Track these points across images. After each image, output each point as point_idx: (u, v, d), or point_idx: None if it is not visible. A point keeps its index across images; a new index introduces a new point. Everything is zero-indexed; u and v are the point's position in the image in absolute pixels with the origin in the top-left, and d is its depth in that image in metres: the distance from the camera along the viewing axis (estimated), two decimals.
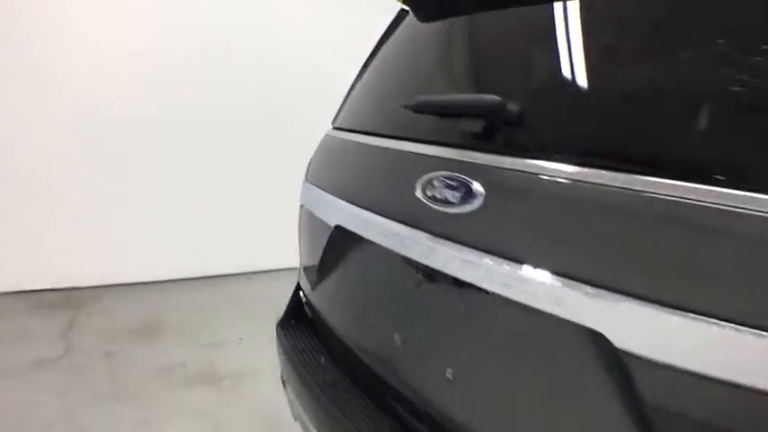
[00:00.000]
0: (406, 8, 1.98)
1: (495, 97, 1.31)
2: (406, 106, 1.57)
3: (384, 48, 2.08)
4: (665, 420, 0.96)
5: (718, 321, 0.85)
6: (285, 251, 5.22)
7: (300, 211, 2.18)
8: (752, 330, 0.82)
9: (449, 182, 1.34)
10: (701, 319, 0.87)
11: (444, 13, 1.80)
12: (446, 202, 1.33)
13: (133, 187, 5.12)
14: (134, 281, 5.13)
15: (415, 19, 1.92)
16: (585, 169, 1.12)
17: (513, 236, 1.23)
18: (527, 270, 1.13)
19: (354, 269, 1.83)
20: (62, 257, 4.91)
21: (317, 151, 2.19)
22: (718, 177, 0.92)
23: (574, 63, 1.28)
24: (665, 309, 0.91)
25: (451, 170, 1.35)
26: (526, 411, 1.24)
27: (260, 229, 5.24)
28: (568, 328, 1.06)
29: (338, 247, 1.82)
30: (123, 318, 4.47)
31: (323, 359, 1.91)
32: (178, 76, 5.06)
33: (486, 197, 1.25)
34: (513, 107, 1.29)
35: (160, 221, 5.23)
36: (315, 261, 2.02)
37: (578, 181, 1.13)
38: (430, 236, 1.36)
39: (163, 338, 4.16)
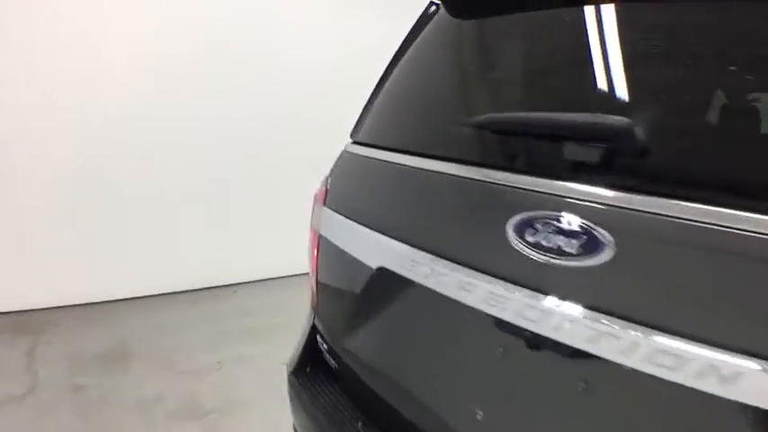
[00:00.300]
0: (437, 1, 1.71)
1: (622, 118, 1.04)
2: (475, 123, 1.29)
3: (414, 49, 1.74)
4: None
5: None
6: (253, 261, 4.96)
7: (317, 241, 1.83)
8: None
9: (559, 225, 1.04)
10: None
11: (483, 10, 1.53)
12: (558, 252, 1.03)
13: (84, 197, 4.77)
14: (91, 300, 4.77)
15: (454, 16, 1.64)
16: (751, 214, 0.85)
17: (665, 298, 0.94)
18: (686, 344, 0.85)
19: (411, 324, 1.49)
20: (9, 277, 4.54)
21: (335, 170, 1.86)
22: None
23: (728, 71, 1.00)
24: None
25: (557, 210, 1.06)
26: None
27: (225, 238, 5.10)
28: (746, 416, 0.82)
29: (383, 293, 1.50)
30: (87, 344, 4.09)
31: (361, 425, 1.55)
32: (177, 76, 4.90)
33: (618, 248, 0.96)
34: (644, 130, 1.01)
35: (110, 233, 4.90)
36: (342, 305, 1.74)
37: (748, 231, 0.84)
38: (536, 294, 1.06)
39: (134, 367, 3.81)
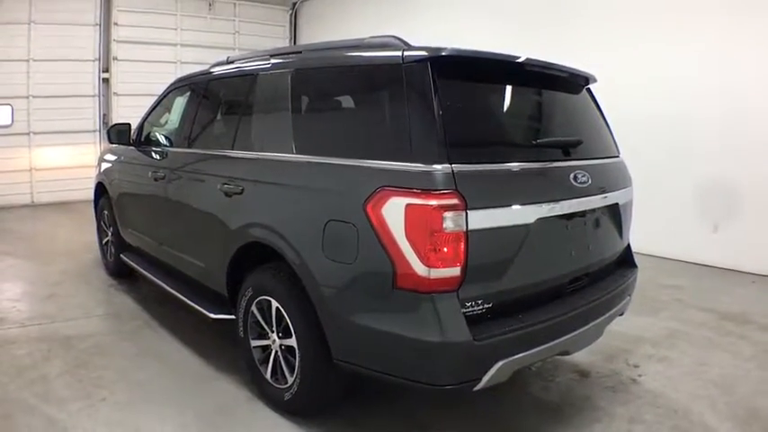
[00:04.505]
0: None
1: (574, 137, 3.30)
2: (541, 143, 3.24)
3: None
4: None
5: None
6: None
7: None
8: None
9: (581, 175, 3.27)
10: None
11: None
12: (582, 182, 3.25)
13: None
14: None
15: None
16: None
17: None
18: None
19: (552, 236, 3.16)
20: None
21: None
22: None
23: None
24: None
25: (580, 170, 3.28)
26: None
27: None
28: None
29: (539, 233, 3.04)
30: None
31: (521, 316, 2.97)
32: None
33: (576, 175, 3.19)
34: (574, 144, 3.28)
35: None
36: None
37: None
38: (585, 197, 3.24)
39: None
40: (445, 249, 2.63)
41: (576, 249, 3.28)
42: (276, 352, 3.46)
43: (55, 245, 7.94)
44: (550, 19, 8.68)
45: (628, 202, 3.74)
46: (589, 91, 3.84)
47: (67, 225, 9.44)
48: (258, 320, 3.58)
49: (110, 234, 6.28)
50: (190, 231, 4.46)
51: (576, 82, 3.68)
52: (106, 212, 6.30)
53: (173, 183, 4.62)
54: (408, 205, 2.63)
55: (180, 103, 5.13)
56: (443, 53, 2.84)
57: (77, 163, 11.01)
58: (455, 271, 2.66)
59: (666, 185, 7.42)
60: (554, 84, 3.51)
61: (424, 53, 2.86)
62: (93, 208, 6.87)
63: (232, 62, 4.48)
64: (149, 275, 5.07)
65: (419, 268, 2.63)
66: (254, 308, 3.59)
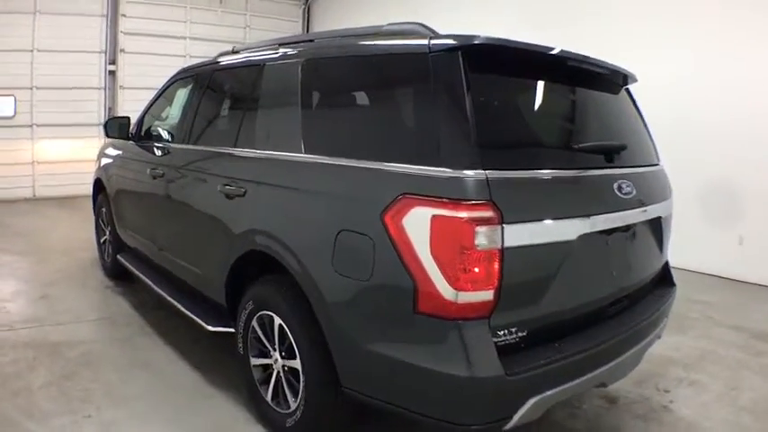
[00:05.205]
0: None
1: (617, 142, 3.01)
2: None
3: None
4: None
5: None
6: None
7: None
8: None
9: (626, 184, 2.94)
10: None
11: None
12: (627, 193, 2.91)
13: None
14: None
15: None
16: None
17: None
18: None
19: (595, 255, 2.86)
20: None
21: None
22: None
23: None
24: None
25: (623, 179, 2.96)
26: None
27: None
28: None
29: (581, 249, 2.68)
30: None
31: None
32: None
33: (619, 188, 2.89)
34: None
35: None
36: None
37: None
38: (629, 210, 2.92)
39: None
40: (476, 270, 2.26)
41: (618, 268, 2.95)
42: (278, 372, 3.12)
43: (53, 242, 7.62)
44: (561, 18, 8.34)
45: (669, 215, 3.39)
46: (628, 91, 3.48)
47: (68, 221, 9.12)
48: (259, 337, 3.23)
49: (107, 233, 5.95)
50: (188, 235, 4.12)
51: (615, 81, 3.32)
52: (104, 210, 5.97)
53: (171, 181, 4.28)
54: (435, 217, 2.27)
55: (182, 95, 4.78)
56: (476, 41, 2.46)
57: (81, 157, 10.65)
58: (487, 295, 2.31)
59: (689, 195, 7.05)
60: (593, 82, 3.15)
61: (454, 41, 2.48)
62: (92, 204, 6.56)
63: (238, 52, 4.13)
64: (146, 280, 4.73)
65: (445, 291, 2.27)
66: (254, 323, 3.24)
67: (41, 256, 6.79)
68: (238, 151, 3.54)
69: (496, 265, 2.29)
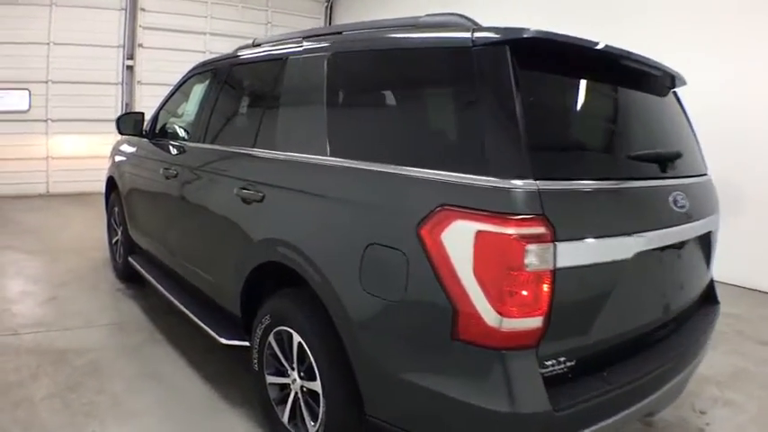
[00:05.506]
0: None
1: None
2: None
3: None
4: None
5: None
6: None
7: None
8: None
9: (681, 197, 2.68)
10: None
11: None
12: (681, 206, 2.66)
13: None
14: None
15: None
16: None
17: None
18: None
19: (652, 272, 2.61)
20: None
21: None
22: None
23: None
24: None
25: (677, 190, 2.68)
26: None
27: None
28: None
29: (638, 269, 2.43)
30: None
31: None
32: None
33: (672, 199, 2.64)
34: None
35: None
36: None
37: None
38: (685, 225, 2.64)
39: None
40: (524, 293, 2.00)
41: (670, 289, 2.70)
42: (296, 393, 2.87)
43: (65, 240, 7.44)
44: (604, 15, 8.02)
45: (717, 229, 3.13)
46: (675, 94, 3.20)
47: (81, 218, 8.92)
48: (276, 354, 2.98)
49: (119, 233, 5.73)
50: (202, 241, 3.87)
51: (664, 83, 3.03)
52: (116, 210, 5.75)
53: (185, 182, 4.04)
54: (480, 233, 2.00)
55: (198, 91, 4.54)
56: (525, 35, 2.17)
57: (96, 153, 10.46)
58: (535, 322, 2.05)
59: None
60: (644, 83, 2.87)
61: (500, 34, 2.20)
62: (104, 203, 6.35)
63: (259, 45, 3.87)
64: (157, 285, 4.50)
65: (488, 316, 2.00)
66: (271, 338, 2.99)
67: (52, 255, 6.60)
68: (257, 152, 3.28)
69: (547, 288, 2.04)
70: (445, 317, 2.08)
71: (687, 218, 2.64)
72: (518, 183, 2.02)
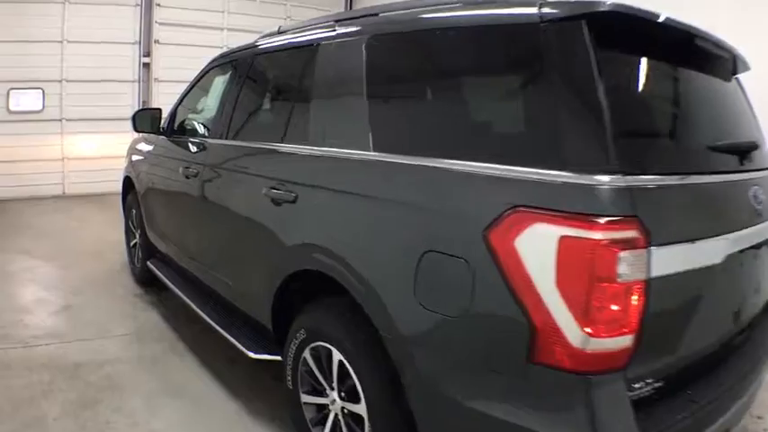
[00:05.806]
0: None
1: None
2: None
3: None
4: None
5: None
6: None
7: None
8: None
9: (760, 191, 2.39)
10: None
11: None
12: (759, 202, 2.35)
13: None
14: None
15: None
16: None
17: None
18: None
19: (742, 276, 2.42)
20: None
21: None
22: None
23: None
24: None
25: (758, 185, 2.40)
26: None
27: None
28: None
29: (725, 273, 2.18)
30: None
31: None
32: None
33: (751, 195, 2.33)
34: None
35: None
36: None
37: None
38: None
39: None
40: (614, 307, 1.71)
41: (748, 294, 2.44)
42: (336, 415, 2.57)
43: (81, 243, 7.17)
44: None
45: None
46: (738, 80, 2.87)
47: (98, 220, 8.67)
48: (312, 371, 2.69)
49: (137, 236, 5.46)
50: (226, 245, 3.58)
51: (729, 67, 2.69)
52: (134, 211, 5.48)
53: (207, 182, 3.75)
54: (563, 238, 1.70)
55: (219, 84, 4.24)
56: (603, 8, 1.85)
57: (113, 153, 10.19)
58: (625, 341, 1.75)
59: None
60: (714, 66, 2.54)
61: (574, 9, 1.88)
62: (121, 204, 6.09)
63: (284, 32, 3.57)
64: (178, 291, 4.21)
65: (572, 335, 1.70)
66: (307, 354, 2.70)
67: (67, 260, 6.33)
68: (287, 148, 2.99)
69: (640, 302, 1.75)
70: (520, 336, 1.78)
71: (765, 214, 2.38)
72: (604, 178, 1.71)
